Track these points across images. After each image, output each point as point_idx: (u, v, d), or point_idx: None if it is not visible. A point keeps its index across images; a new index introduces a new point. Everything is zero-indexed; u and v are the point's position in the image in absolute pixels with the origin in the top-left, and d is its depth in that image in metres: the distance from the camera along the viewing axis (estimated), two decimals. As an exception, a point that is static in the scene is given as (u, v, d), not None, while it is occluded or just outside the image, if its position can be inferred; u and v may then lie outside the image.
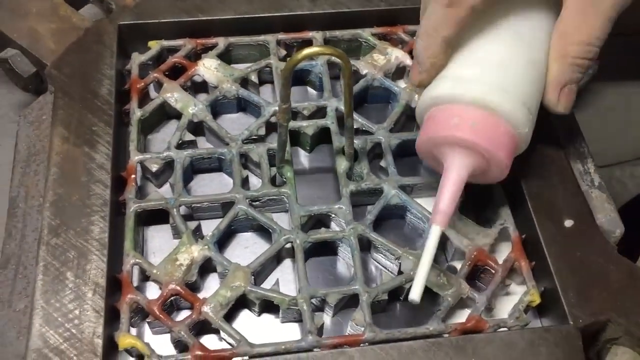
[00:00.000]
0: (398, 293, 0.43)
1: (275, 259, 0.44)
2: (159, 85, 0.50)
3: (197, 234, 0.44)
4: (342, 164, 0.46)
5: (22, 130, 0.49)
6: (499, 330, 0.41)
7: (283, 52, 0.52)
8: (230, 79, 0.50)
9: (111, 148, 0.45)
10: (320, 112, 0.49)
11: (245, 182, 0.46)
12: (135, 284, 0.42)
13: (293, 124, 0.48)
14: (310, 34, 0.52)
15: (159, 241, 0.46)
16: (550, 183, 0.45)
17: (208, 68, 0.50)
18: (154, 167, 0.46)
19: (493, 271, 0.43)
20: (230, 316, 0.41)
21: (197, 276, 0.42)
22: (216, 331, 0.41)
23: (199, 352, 0.38)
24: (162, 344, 0.41)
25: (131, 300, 0.40)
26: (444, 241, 0.44)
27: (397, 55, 0.51)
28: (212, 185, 0.48)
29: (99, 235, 0.41)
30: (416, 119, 0.43)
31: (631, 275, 0.42)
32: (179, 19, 0.51)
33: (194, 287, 0.42)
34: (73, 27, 0.51)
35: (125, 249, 0.42)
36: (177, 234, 0.45)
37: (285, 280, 0.44)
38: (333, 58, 0.50)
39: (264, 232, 0.46)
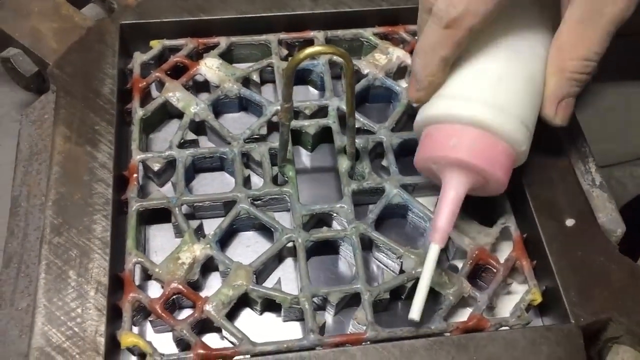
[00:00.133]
0: (400, 292, 0.43)
1: (277, 258, 0.44)
2: (160, 85, 0.50)
3: (199, 233, 0.44)
4: (343, 163, 0.46)
5: (24, 129, 0.49)
6: (501, 329, 0.41)
7: (285, 52, 0.52)
8: (232, 78, 0.50)
9: (113, 147, 0.45)
10: (321, 112, 0.50)
11: (247, 181, 0.46)
12: (137, 282, 0.42)
13: (295, 123, 0.48)
14: (311, 34, 0.52)
15: (161, 240, 0.46)
16: (552, 182, 0.45)
17: (210, 67, 0.50)
18: (156, 166, 0.46)
19: (494, 270, 0.43)
20: (232, 315, 0.42)
21: (199, 275, 0.42)
22: (218, 330, 0.41)
23: (201, 351, 0.38)
24: (164, 342, 0.41)
25: (133, 298, 0.40)
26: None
27: (399, 54, 0.52)
28: (213, 185, 0.48)
29: (101, 234, 0.41)
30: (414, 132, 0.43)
31: (632, 274, 0.42)
32: (181, 18, 0.51)
33: (196, 286, 0.42)
34: (75, 26, 0.51)
35: (128, 247, 0.42)
36: (179, 232, 0.45)
37: (287, 279, 0.44)
38: (335, 57, 0.51)
39: (266, 231, 0.46)
